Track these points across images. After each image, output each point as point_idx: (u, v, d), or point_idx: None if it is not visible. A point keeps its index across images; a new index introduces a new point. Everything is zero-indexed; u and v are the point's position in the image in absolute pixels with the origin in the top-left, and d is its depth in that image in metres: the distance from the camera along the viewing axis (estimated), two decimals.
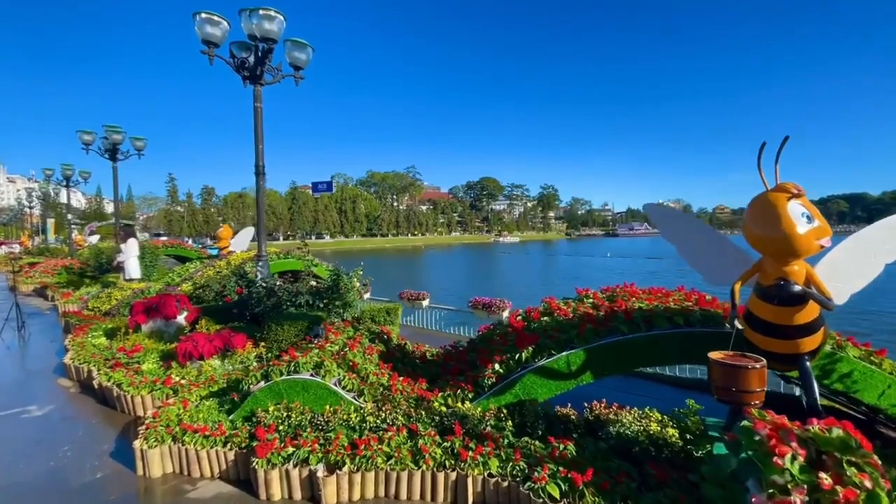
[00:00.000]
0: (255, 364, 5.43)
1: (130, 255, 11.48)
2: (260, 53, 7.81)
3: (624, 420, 3.48)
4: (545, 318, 4.64)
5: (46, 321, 10.09)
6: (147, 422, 3.79)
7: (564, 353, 3.73)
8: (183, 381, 4.81)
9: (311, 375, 3.97)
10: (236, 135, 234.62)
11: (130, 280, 11.19)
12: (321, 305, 6.73)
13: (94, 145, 14.94)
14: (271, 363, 4.13)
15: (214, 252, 13.38)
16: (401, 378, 4.30)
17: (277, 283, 7.49)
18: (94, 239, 22.18)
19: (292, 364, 4.02)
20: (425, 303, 10.24)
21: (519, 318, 5.01)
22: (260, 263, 8.14)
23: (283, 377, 3.94)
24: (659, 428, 3.38)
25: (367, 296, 9.48)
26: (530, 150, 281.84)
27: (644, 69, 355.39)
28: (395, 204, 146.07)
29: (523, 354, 3.84)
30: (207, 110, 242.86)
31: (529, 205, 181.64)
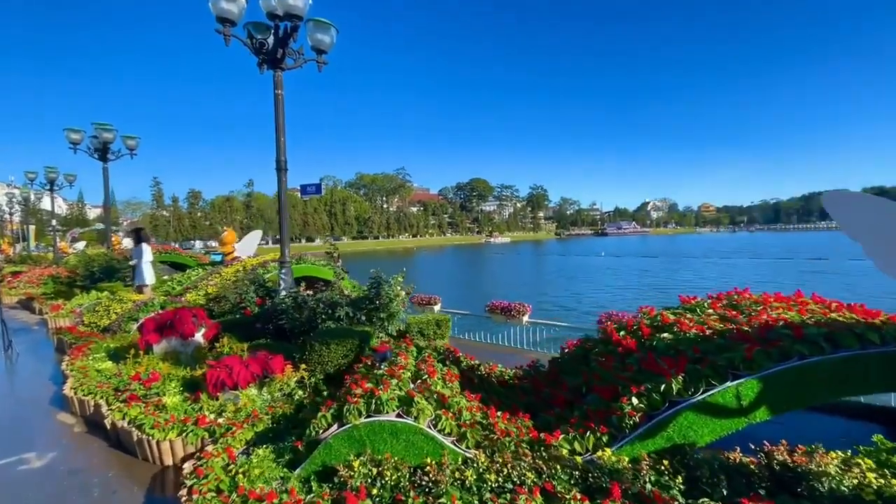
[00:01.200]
0: (299, 392, 4.55)
1: (144, 259, 10.47)
2: (282, 34, 6.92)
3: (828, 469, 2.69)
4: (664, 333, 3.85)
5: (36, 338, 9.01)
6: (191, 484, 2.90)
7: (733, 383, 2.94)
8: (220, 420, 3.91)
9: (400, 416, 3.12)
10: (223, 137, 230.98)
11: (143, 286, 10.20)
12: (363, 318, 5.86)
13: (83, 145, 13.83)
14: (344, 399, 3.26)
15: (218, 258, 12.38)
16: (499, 413, 3.47)
17: (306, 293, 6.60)
18: (81, 245, 20.86)
19: (373, 400, 3.16)
20: (437, 307, 9.43)
21: (621, 332, 4.22)
22: (283, 271, 7.25)
23: (364, 419, 3.08)
24: (880, 480, 2.59)
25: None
26: (519, 151, 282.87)
27: (630, 70, 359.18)
28: (385, 206, 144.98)
29: (672, 385, 3.04)
30: (193, 112, 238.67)
31: (519, 205, 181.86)
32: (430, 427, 3.09)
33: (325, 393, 4.51)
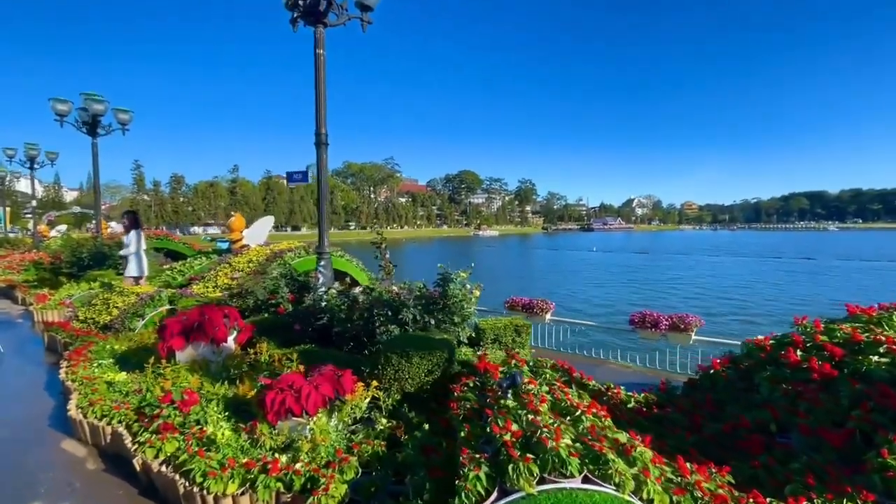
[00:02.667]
0: (382, 421, 3.59)
1: (139, 247, 9.31)
2: None
3: None
4: (873, 356, 3.01)
5: (21, 334, 7.80)
6: None
7: None
8: (297, 466, 2.92)
9: (588, 479, 2.20)
10: (207, 120, 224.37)
11: (138, 278, 9.14)
12: (431, 322, 4.90)
13: (70, 118, 12.42)
14: (506, 455, 2.32)
15: (225, 246, 11.23)
16: (690, 465, 2.58)
17: (355, 291, 5.61)
18: (63, 228, 19.26)
19: (550, 457, 2.23)
20: None
21: (799, 352, 3.37)
22: (322, 263, 6.24)
23: (543, 488, 2.15)
24: None
25: None
26: (508, 145, 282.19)
27: (617, 67, 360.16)
28: (373, 196, 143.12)
29: None
30: (176, 94, 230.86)
31: (507, 199, 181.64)
32: (632, 497, 2.19)
33: (416, 421, 3.57)
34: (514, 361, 3.74)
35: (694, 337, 6.81)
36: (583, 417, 2.78)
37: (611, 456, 2.27)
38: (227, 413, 3.67)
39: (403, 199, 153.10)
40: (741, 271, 38.23)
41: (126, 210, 10.61)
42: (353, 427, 3.63)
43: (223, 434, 3.27)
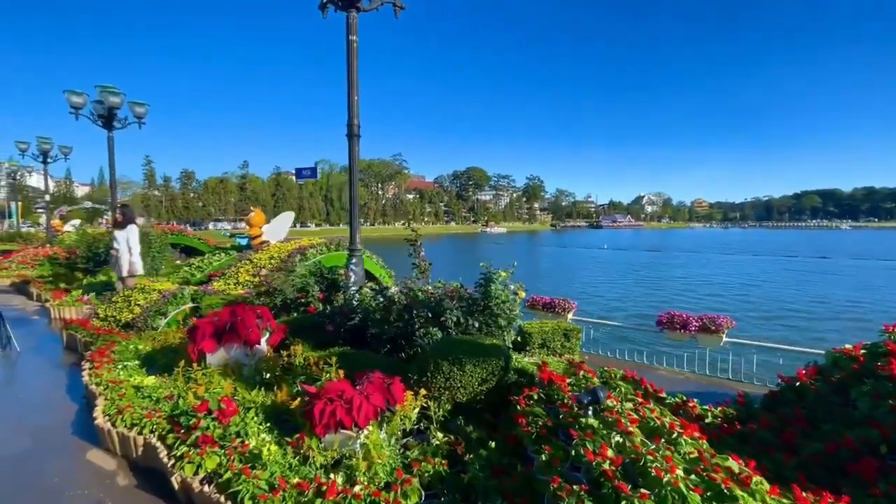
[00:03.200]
0: (438, 435, 3.28)
1: (132, 244, 8.26)
2: None
3: None
4: None
5: (38, 331, 7.60)
6: None
7: None
8: (356, 489, 2.63)
9: None
10: (216, 116, 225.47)
11: (131, 277, 8.10)
12: (474, 325, 4.58)
13: (85, 111, 12.23)
14: (611, 489, 2.00)
15: (244, 242, 11.00)
16: (807, 495, 2.25)
17: (391, 290, 5.31)
18: (77, 223, 19.19)
19: (668, 492, 1.90)
20: None
21: None
22: (353, 261, 5.94)
23: None
24: None
25: None
26: (516, 141, 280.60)
27: (627, 63, 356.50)
28: (381, 193, 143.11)
29: None
30: (183, 89, 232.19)
31: (515, 196, 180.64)
32: None
33: (475, 436, 3.26)
34: (581, 372, 3.40)
35: (725, 339, 6.51)
36: (681, 440, 2.45)
37: (738, 491, 1.93)
38: (268, 424, 3.38)
39: (411, 196, 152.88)
40: (755, 269, 37.58)
41: (120, 204, 10.02)
42: (405, 441, 3.34)
43: (269, 449, 2.98)
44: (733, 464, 2.24)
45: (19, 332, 6.77)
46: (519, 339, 4.80)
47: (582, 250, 64.24)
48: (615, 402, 2.79)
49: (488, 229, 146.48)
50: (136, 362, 4.90)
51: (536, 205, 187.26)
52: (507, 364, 3.68)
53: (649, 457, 2.12)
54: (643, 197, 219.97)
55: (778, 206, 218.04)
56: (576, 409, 2.75)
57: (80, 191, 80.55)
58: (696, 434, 2.60)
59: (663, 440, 2.48)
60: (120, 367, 4.78)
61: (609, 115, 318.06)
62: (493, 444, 2.97)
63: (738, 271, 36.66)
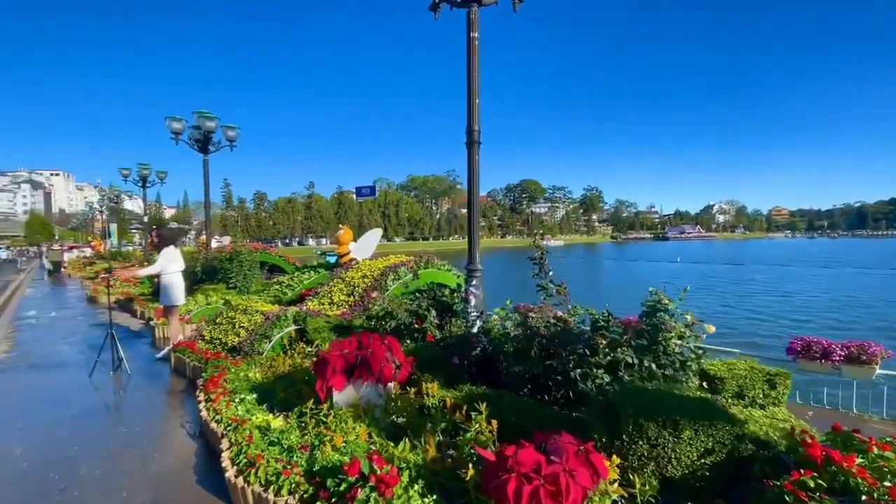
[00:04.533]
0: None
1: (170, 269, 7.11)
2: None
3: None
4: None
5: (143, 351, 7.64)
6: None
7: None
8: None
9: None
10: (283, 139, 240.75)
11: (171, 307, 7.19)
12: (651, 367, 3.69)
13: (183, 136, 12.78)
14: None
15: (333, 259, 10.84)
16: None
17: (532, 317, 4.55)
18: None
19: None
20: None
21: None
22: (473, 283, 5.26)
23: None
24: None
25: None
26: (572, 152, 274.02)
27: (692, 63, 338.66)
28: (435, 208, 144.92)
29: None
30: (252, 114, 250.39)
31: (572, 207, 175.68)
32: None
33: None
34: (875, 449, 2.42)
35: (878, 371, 5.10)
36: None
37: None
38: (433, 496, 2.71)
39: (465, 210, 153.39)
40: (863, 284, 32.95)
41: (155, 225, 9.78)
42: None
43: None
44: None
45: (127, 351, 6.75)
46: (704, 384, 3.83)
47: (652, 264, 60.38)
48: None
49: (544, 242, 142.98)
50: (254, 395, 4.48)
51: (595, 216, 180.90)
52: (741, 430, 2.76)
53: None
54: (713, 206, 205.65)
55: (873, 213, 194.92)
56: None
57: (167, 213, 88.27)
58: None
59: None
60: (237, 399, 4.37)
61: (673, 120, 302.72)
62: None
63: (843, 287, 32.35)
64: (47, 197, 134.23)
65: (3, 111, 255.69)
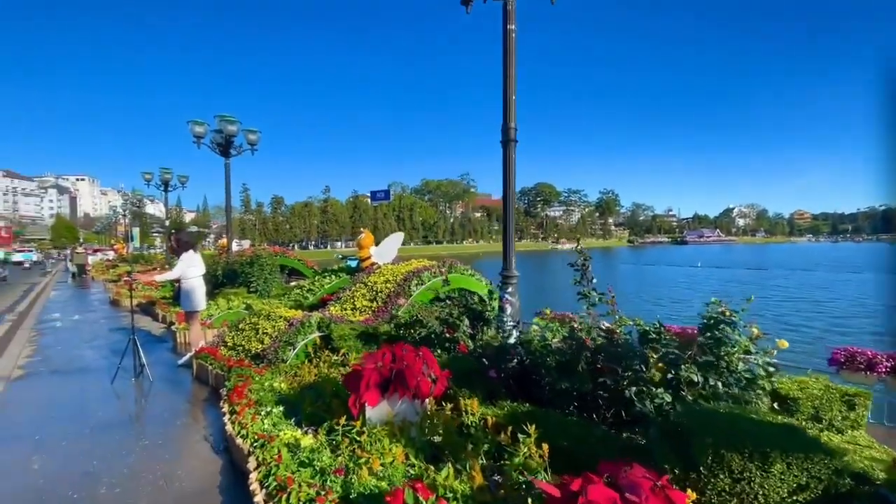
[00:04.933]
0: None
1: (190, 273, 6.90)
2: None
3: None
4: None
5: (165, 358, 7.50)
6: None
7: None
8: None
9: None
10: (299, 143, 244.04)
11: (192, 313, 7.03)
12: (717, 386, 3.33)
13: (205, 140, 12.75)
14: None
15: (354, 263, 10.65)
16: None
17: (576, 326, 4.22)
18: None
19: None
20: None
21: None
22: (509, 290, 4.95)
23: None
24: None
25: None
26: (588, 155, 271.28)
27: (710, 63, 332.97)
28: (449, 212, 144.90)
29: None
30: (269, 117, 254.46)
31: (587, 210, 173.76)
32: None
33: None
34: None
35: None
36: None
37: None
38: None
39: (478, 214, 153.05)
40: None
41: (174, 229, 9.69)
42: None
43: None
44: None
45: (148, 356, 6.60)
46: (775, 405, 3.46)
47: (672, 269, 59.09)
48: None
49: (559, 246, 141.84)
50: (280, 408, 4.23)
51: (611, 220, 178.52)
52: (842, 466, 2.40)
53: None
54: (733, 209, 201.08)
55: None
56: None
57: (187, 217, 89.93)
58: None
59: None
60: (263, 412, 4.13)
61: (691, 122, 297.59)
62: None
63: (883, 293, 31.01)
64: (73, 201, 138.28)
65: (33, 119, 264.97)
